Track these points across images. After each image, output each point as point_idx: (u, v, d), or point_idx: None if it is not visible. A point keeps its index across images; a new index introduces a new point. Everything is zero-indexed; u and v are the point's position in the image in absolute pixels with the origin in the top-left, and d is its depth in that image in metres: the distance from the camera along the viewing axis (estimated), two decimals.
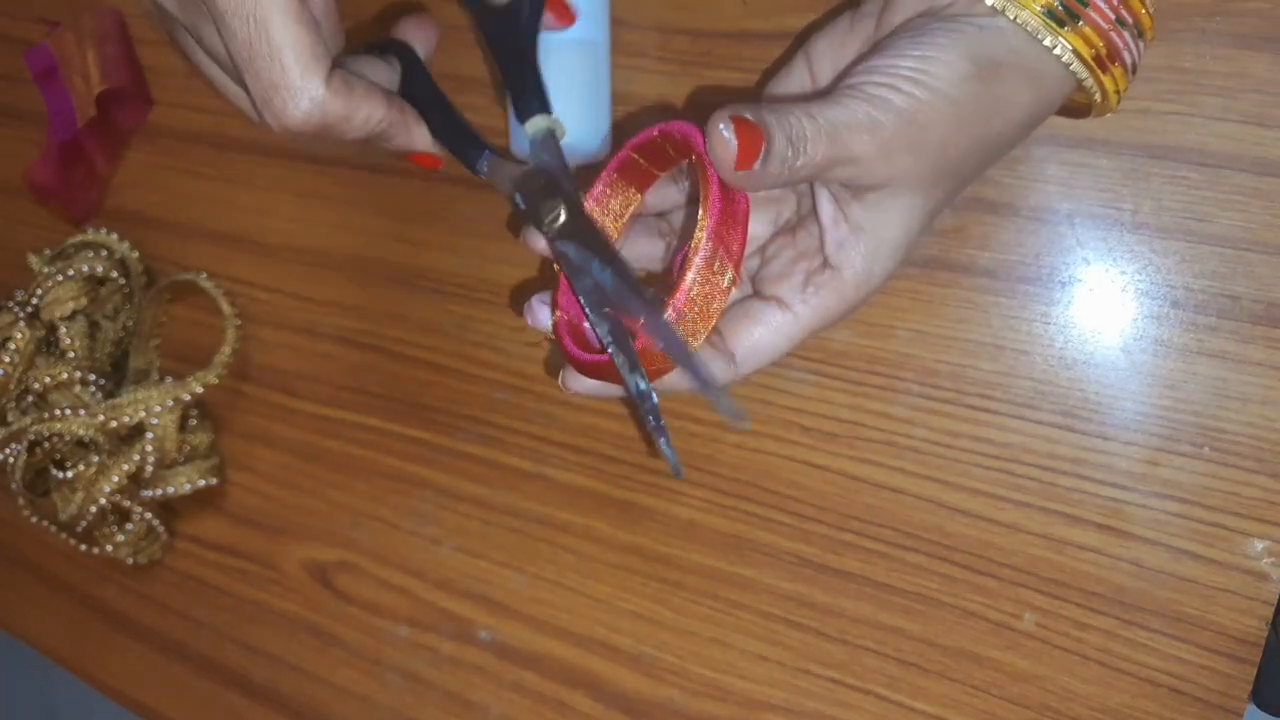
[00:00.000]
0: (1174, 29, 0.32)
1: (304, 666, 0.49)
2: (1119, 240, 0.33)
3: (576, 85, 0.37)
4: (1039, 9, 0.26)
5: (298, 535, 0.49)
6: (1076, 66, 0.26)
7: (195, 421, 0.49)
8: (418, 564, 0.46)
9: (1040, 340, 0.35)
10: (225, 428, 0.51)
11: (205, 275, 0.50)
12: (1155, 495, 0.34)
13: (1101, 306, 0.34)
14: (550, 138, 0.31)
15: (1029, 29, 0.26)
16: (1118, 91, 0.28)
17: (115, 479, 0.47)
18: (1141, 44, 0.28)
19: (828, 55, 0.30)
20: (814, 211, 0.29)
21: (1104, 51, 0.27)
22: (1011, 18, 0.26)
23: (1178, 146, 0.32)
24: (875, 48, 0.27)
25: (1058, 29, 0.26)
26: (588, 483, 0.42)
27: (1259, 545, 0.32)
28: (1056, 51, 0.26)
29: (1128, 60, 0.27)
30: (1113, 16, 0.26)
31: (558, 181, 0.30)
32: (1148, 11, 0.27)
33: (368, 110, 0.28)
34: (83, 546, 0.50)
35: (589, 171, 0.32)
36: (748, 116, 0.24)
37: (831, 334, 0.37)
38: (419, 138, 0.31)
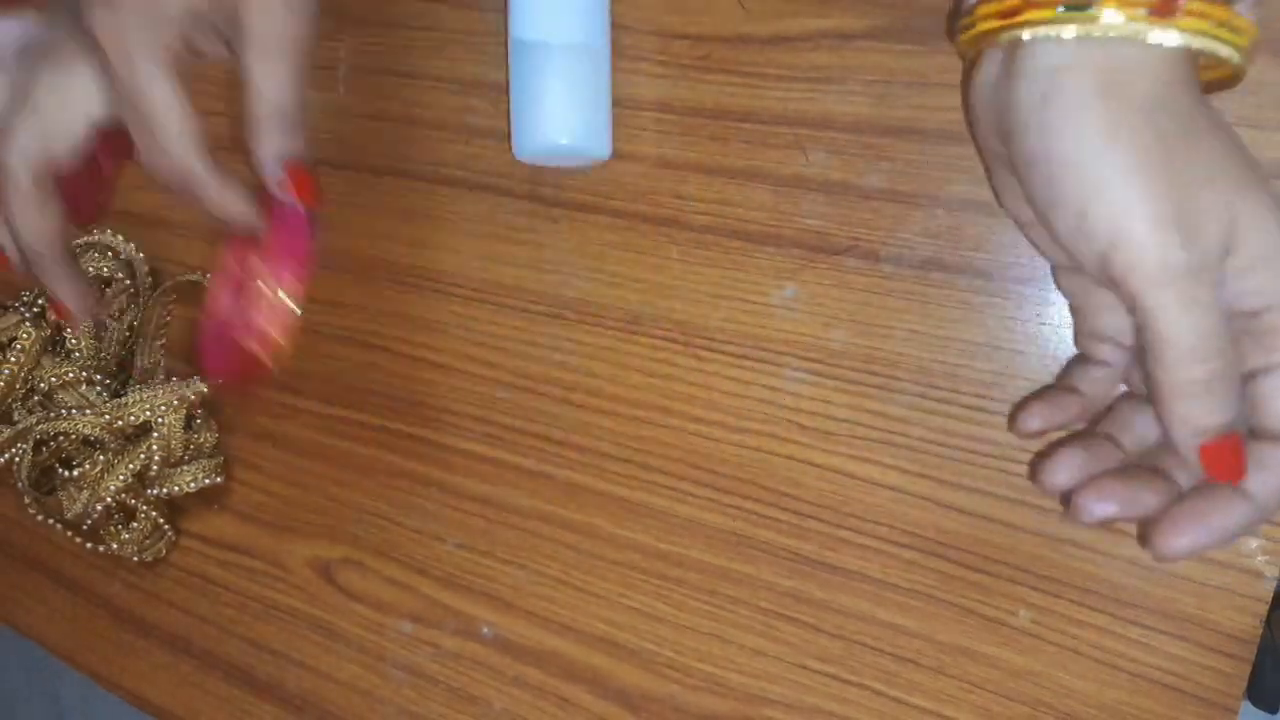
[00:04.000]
0: None
1: (308, 662, 0.50)
2: None
3: (577, 89, 0.38)
4: (1054, 12, 0.24)
5: (302, 533, 0.50)
6: (1133, 30, 0.24)
7: (200, 421, 0.50)
8: (421, 561, 0.47)
9: (1036, 340, 0.35)
10: (230, 427, 0.51)
11: (210, 276, 0.50)
12: None
13: None
14: None
15: (1058, 35, 0.24)
16: (1227, 26, 0.24)
17: (121, 477, 0.48)
18: None
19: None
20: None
21: (1153, 1, 0.24)
22: (1031, 37, 0.25)
23: None
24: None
25: (1081, 16, 0.24)
26: (589, 481, 0.43)
27: (1253, 544, 0.33)
28: (1099, 32, 0.24)
29: None
30: None
31: None
32: None
33: None
34: (88, 544, 0.51)
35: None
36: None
37: (829, 334, 0.38)
38: None
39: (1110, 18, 0.24)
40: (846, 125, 0.36)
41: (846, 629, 0.38)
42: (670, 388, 0.40)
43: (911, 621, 0.37)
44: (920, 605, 0.37)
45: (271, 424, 0.50)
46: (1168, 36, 0.24)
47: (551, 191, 0.42)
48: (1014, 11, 0.25)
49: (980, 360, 0.36)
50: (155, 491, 0.49)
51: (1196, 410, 0.25)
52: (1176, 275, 0.24)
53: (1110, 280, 0.26)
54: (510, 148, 0.39)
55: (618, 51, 0.39)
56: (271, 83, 0.31)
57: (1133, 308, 0.25)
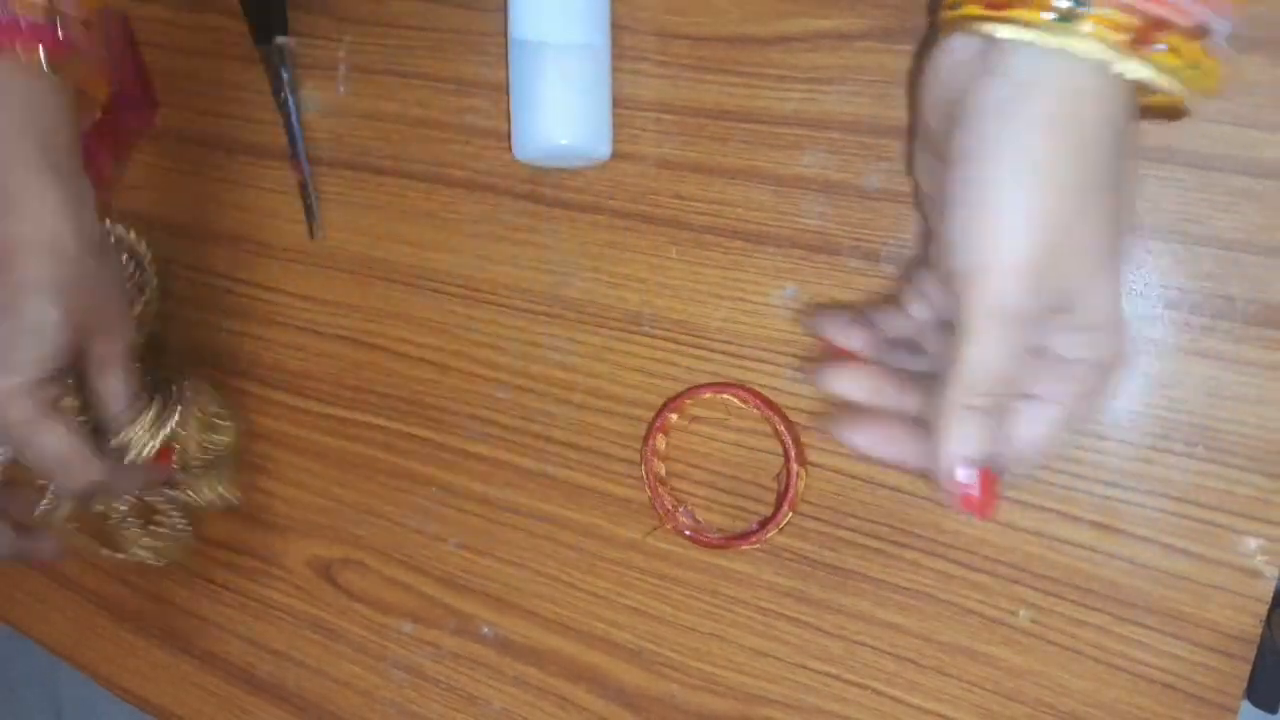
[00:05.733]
0: None
1: (308, 662, 0.50)
2: None
3: (578, 89, 0.38)
4: (1038, 16, 0.24)
5: (303, 533, 0.50)
6: (1109, 56, 0.24)
7: (221, 421, 0.49)
8: (421, 561, 0.47)
9: None
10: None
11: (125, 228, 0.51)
12: (1149, 493, 0.34)
13: None
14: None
15: (1035, 42, 0.24)
16: (1196, 67, 0.24)
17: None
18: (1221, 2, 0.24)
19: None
20: None
21: (1137, 28, 0.23)
22: (1012, 38, 0.25)
23: (1173, 149, 0.32)
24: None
25: (1066, 28, 0.24)
26: (588, 480, 0.43)
27: (1252, 543, 0.33)
28: (1079, 50, 0.24)
29: (1184, 24, 0.23)
30: None
31: None
32: None
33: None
34: (104, 551, 0.50)
35: None
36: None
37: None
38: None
39: (1091, 38, 0.24)
40: (846, 125, 0.36)
41: (846, 629, 0.38)
42: (670, 388, 0.40)
43: (911, 621, 0.37)
44: (920, 605, 0.37)
45: (271, 424, 0.50)
46: (1138, 69, 0.24)
47: (551, 191, 0.42)
48: (1002, 4, 0.25)
49: None
50: (172, 494, 0.49)
51: (963, 434, 0.27)
52: (1010, 318, 0.26)
53: (952, 289, 0.27)
54: (510, 148, 0.39)
55: (618, 51, 0.39)
56: None
57: (955, 320, 0.27)
